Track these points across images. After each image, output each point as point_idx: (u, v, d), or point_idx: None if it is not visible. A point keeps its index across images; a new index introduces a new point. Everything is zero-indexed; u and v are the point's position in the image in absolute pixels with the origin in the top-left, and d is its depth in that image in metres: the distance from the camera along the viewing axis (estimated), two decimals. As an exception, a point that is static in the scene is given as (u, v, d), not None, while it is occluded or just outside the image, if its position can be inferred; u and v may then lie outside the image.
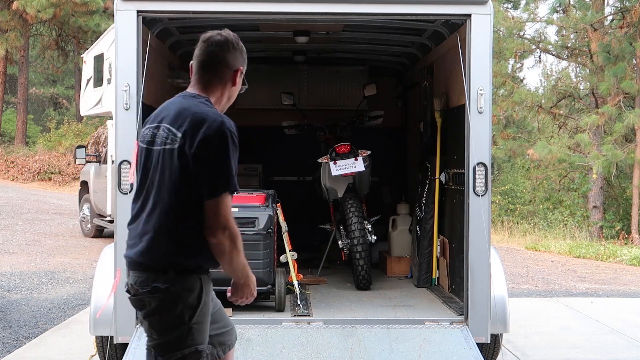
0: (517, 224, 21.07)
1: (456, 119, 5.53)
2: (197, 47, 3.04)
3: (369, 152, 6.67)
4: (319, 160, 6.73)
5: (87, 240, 13.70)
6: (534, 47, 22.76)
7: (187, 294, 2.93)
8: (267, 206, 5.38)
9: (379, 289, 6.30)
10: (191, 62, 3.07)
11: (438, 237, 6.34)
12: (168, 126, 2.93)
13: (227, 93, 3.07)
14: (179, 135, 2.87)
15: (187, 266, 2.94)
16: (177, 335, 2.97)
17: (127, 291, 3.05)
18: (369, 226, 6.44)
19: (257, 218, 5.26)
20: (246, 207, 5.34)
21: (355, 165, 6.48)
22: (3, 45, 26.09)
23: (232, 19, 5.55)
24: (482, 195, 4.75)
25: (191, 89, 3.04)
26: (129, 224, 3.05)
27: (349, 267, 6.56)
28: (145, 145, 3.01)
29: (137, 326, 4.72)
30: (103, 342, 5.03)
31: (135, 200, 3.03)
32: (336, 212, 6.88)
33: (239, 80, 3.07)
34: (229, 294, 3.14)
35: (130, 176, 4.63)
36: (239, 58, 3.05)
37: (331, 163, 6.52)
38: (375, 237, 6.47)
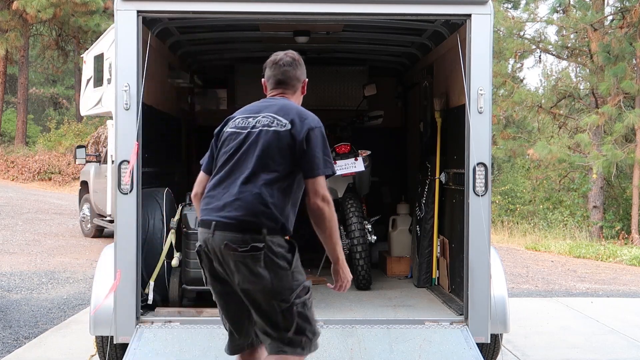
0: (517, 224, 21.07)
1: (456, 119, 5.54)
2: (269, 68, 3.73)
3: (368, 152, 6.65)
4: None
5: (87, 240, 13.70)
6: (534, 47, 22.77)
7: (280, 248, 3.44)
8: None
9: (379, 289, 6.30)
10: (263, 79, 3.77)
11: (438, 237, 6.34)
12: (272, 114, 3.54)
13: (299, 100, 3.76)
14: (286, 121, 3.49)
15: (275, 227, 3.44)
16: (285, 281, 3.43)
17: (198, 252, 3.56)
18: (369, 226, 6.44)
19: (257, 218, 5.25)
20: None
21: (355, 165, 6.47)
22: (3, 45, 26.10)
23: (232, 19, 5.55)
24: (482, 195, 4.75)
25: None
26: (211, 190, 3.55)
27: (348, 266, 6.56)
28: (236, 130, 3.60)
29: (137, 326, 4.73)
30: (103, 342, 5.03)
31: (219, 171, 3.57)
32: (336, 212, 6.88)
33: (306, 88, 3.80)
34: (331, 285, 3.63)
35: (127, 175, 4.63)
36: (304, 71, 3.77)
37: None
38: (375, 237, 6.47)
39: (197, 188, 3.74)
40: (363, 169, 6.54)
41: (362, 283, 6.23)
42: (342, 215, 6.57)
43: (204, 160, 3.80)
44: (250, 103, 3.72)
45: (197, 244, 3.59)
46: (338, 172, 6.46)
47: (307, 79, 3.80)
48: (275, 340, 3.46)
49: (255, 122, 3.55)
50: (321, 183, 3.52)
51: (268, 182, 3.45)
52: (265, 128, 3.51)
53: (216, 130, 3.78)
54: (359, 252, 6.23)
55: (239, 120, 3.64)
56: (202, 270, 3.61)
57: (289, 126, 3.48)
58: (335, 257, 3.58)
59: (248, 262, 3.37)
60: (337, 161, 6.48)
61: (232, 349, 3.68)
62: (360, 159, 6.51)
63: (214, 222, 3.45)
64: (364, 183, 6.81)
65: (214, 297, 3.64)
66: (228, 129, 3.67)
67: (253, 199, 3.42)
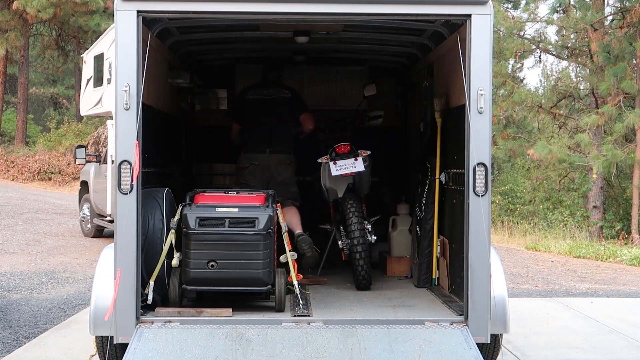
0: (517, 224, 21.08)
1: (456, 119, 5.53)
2: None
3: (368, 152, 6.65)
4: (319, 160, 6.73)
5: (87, 240, 13.70)
6: (534, 47, 22.77)
7: None
8: (267, 206, 5.38)
9: (379, 289, 6.30)
10: None
11: (438, 237, 6.34)
12: None
13: None
14: None
15: None
16: None
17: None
18: (369, 226, 6.44)
19: (257, 218, 5.25)
20: (246, 207, 5.34)
21: (355, 165, 6.48)
22: (3, 45, 26.11)
23: (232, 19, 5.55)
24: (482, 196, 4.75)
25: None
26: None
27: (349, 268, 6.56)
28: None
29: (137, 326, 4.73)
30: (103, 342, 5.04)
31: None
32: (336, 212, 6.88)
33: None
34: None
35: (134, 176, 4.64)
36: None
37: (331, 163, 6.50)
38: (375, 237, 6.47)
39: None
40: (363, 169, 6.53)
41: (362, 283, 6.23)
42: (341, 215, 6.57)
43: None
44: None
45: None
46: (338, 173, 6.48)
47: None
48: None
49: None
50: None
51: None
52: None
53: None
54: (359, 252, 6.22)
55: None
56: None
57: None
58: None
59: None
60: (336, 161, 6.48)
61: None
62: (360, 159, 6.51)
63: None
64: (364, 183, 6.81)
65: None
66: None
67: None
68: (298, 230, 6.63)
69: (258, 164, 6.89)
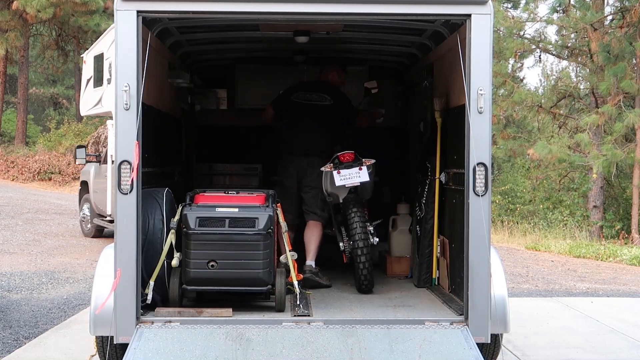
0: (517, 223, 21.08)
1: (456, 119, 5.53)
2: None
3: (373, 161, 6.48)
4: (322, 169, 6.53)
5: (87, 240, 13.70)
6: (534, 47, 22.77)
7: None
8: (267, 206, 5.38)
9: (379, 289, 6.30)
10: None
11: (438, 237, 6.33)
12: None
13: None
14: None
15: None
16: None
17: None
18: (370, 228, 6.37)
19: (257, 218, 5.25)
20: (246, 207, 5.34)
21: (360, 175, 6.28)
22: (3, 45, 26.11)
23: (232, 19, 5.55)
24: (482, 196, 4.75)
25: None
26: None
27: (349, 268, 6.55)
28: None
29: (137, 326, 4.73)
30: (103, 342, 5.04)
31: None
32: (337, 214, 6.84)
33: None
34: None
35: (133, 175, 4.63)
36: None
37: (334, 172, 6.31)
38: (377, 239, 6.42)
39: None
40: (368, 179, 6.30)
41: (364, 285, 6.17)
42: (343, 217, 6.53)
43: None
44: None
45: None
46: (342, 183, 6.30)
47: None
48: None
49: None
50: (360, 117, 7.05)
51: None
52: None
53: None
54: (361, 256, 6.15)
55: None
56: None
57: None
58: None
59: None
60: (340, 170, 6.29)
61: None
62: (364, 168, 6.29)
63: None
64: (366, 189, 6.67)
65: None
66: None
67: None
68: (309, 260, 6.46)
69: (293, 166, 6.80)
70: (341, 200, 6.57)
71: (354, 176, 6.27)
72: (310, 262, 6.43)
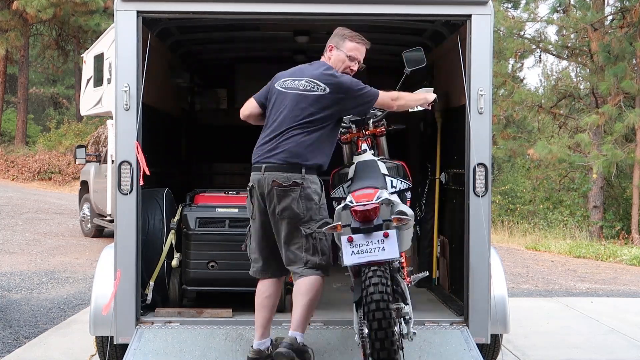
0: (517, 224, 21.08)
1: (456, 119, 5.53)
2: None
3: (409, 218, 4.15)
4: (324, 229, 4.28)
5: (87, 240, 13.70)
6: (534, 47, 22.77)
7: (314, 185, 4.35)
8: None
9: (379, 289, 6.28)
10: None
11: (438, 237, 6.33)
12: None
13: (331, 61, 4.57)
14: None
15: (311, 166, 4.33)
16: (311, 212, 4.31)
17: (250, 189, 4.42)
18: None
19: (257, 218, 5.25)
20: (246, 207, 5.34)
21: (385, 246, 3.99)
22: (3, 45, 26.10)
23: (232, 19, 5.54)
24: (482, 196, 4.75)
25: None
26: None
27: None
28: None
29: (137, 327, 4.73)
30: (103, 342, 5.04)
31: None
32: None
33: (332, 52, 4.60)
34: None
35: (140, 176, 4.63)
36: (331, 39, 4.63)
37: (344, 240, 4.02)
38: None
39: None
40: (396, 254, 4.02)
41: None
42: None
43: None
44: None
45: (249, 184, 4.42)
46: (354, 262, 4.04)
47: (331, 44, 4.59)
48: (301, 266, 4.30)
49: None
50: (383, 98, 4.62)
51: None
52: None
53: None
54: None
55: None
56: (250, 206, 4.44)
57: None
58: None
59: (288, 194, 4.25)
60: (354, 237, 4.02)
61: (259, 273, 4.51)
62: (393, 233, 4.00)
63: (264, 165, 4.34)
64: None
65: (253, 230, 4.48)
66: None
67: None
68: (295, 331, 4.32)
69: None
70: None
71: (375, 248, 4.00)
72: (295, 333, 4.31)
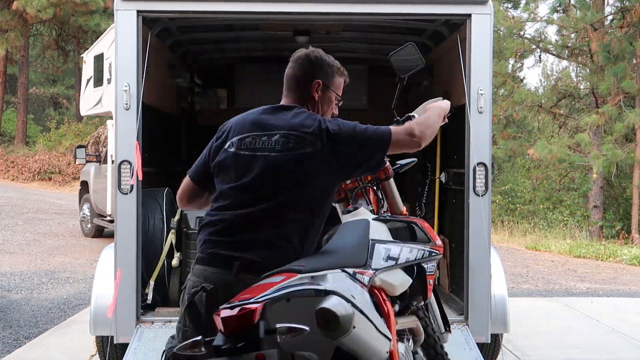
0: (517, 223, 21.08)
1: (456, 119, 5.53)
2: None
3: (305, 331, 2.40)
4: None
5: (87, 240, 13.70)
6: (534, 46, 22.77)
7: None
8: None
9: (379, 289, 6.28)
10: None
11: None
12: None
13: (315, 107, 3.18)
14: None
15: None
16: None
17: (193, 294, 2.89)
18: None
19: (257, 218, 5.24)
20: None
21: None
22: (3, 45, 26.11)
23: (232, 19, 5.55)
24: (482, 196, 4.75)
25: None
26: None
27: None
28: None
29: (137, 326, 4.72)
30: (103, 342, 5.03)
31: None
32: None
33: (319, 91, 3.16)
34: None
35: (135, 175, 4.63)
36: (314, 71, 3.18)
37: None
38: None
39: None
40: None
41: None
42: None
43: None
44: (250, 103, 3.42)
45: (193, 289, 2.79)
46: None
47: (319, 80, 3.14)
48: None
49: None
50: (399, 133, 3.10)
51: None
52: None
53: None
54: None
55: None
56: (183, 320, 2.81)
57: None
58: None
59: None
60: None
61: None
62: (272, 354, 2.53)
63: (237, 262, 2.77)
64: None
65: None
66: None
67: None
68: None
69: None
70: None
71: None
72: None
